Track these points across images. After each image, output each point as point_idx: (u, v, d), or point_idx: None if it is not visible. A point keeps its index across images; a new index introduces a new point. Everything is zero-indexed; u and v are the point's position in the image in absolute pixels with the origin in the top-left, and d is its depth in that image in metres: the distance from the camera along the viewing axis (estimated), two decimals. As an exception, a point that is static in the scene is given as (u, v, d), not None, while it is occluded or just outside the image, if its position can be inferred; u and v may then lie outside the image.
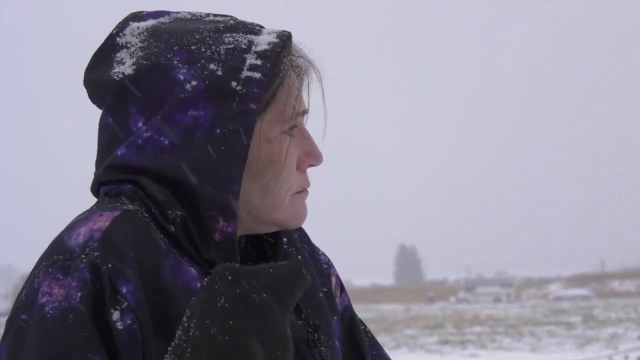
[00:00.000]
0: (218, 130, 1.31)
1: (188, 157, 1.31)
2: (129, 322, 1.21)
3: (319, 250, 1.63)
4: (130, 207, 1.32)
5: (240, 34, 1.38)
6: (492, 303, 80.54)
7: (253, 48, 1.36)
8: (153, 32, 1.39)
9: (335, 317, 1.57)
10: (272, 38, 1.38)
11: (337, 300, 1.61)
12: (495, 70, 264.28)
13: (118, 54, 1.39)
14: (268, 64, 1.35)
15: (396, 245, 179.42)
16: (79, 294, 1.20)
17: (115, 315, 1.21)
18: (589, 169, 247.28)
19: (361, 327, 1.63)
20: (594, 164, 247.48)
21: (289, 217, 1.42)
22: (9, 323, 1.24)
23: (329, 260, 1.63)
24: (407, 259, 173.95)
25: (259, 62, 1.35)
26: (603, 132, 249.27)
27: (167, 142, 1.32)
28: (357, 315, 1.64)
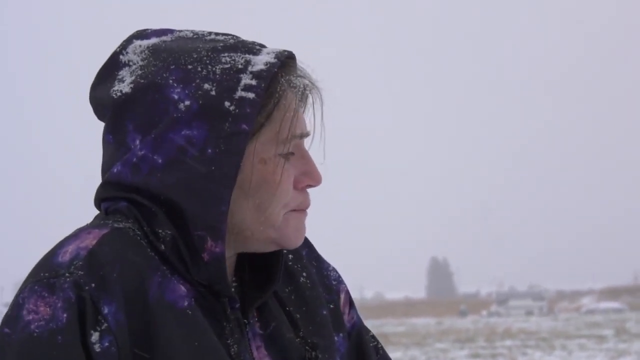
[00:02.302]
0: (209, 151, 1.32)
1: (179, 177, 1.32)
2: (107, 344, 1.23)
3: (329, 266, 1.62)
4: (122, 224, 1.34)
5: (239, 54, 1.38)
6: (524, 316, 79.95)
7: (249, 68, 1.36)
8: (153, 51, 1.40)
9: (341, 334, 1.56)
10: (270, 58, 1.38)
11: (346, 317, 1.60)
12: (523, 74, 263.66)
13: (120, 72, 1.41)
14: (262, 84, 1.35)
15: (428, 258, 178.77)
16: (65, 315, 1.23)
17: (95, 336, 1.23)
18: (623, 180, 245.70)
19: (371, 344, 1.62)
20: (627, 174, 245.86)
21: (284, 236, 1.41)
22: None
23: (339, 276, 1.63)
24: (439, 273, 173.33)
25: (253, 82, 1.35)
26: (635, 141, 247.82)
27: (160, 161, 1.33)
28: (369, 332, 1.64)
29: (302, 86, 1.42)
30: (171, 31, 1.45)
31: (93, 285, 1.24)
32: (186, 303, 1.31)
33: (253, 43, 1.42)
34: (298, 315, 1.50)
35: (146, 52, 1.41)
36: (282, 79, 1.39)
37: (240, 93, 1.34)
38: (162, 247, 1.33)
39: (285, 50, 1.42)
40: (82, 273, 1.25)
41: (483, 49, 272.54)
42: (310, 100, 1.44)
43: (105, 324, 1.24)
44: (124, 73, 1.40)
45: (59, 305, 1.23)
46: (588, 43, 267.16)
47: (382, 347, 1.64)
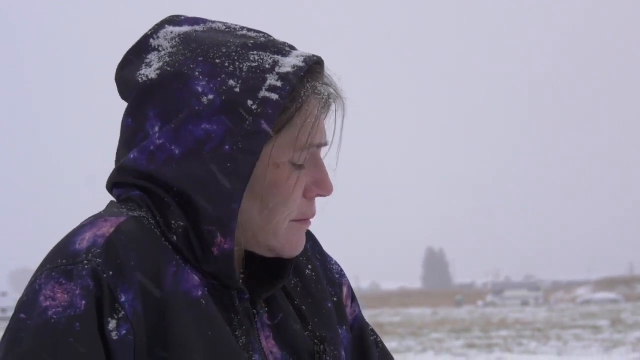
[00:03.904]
0: (227, 147, 1.32)
1: (194, 170, 1.32)
2: (124, 332, 1.24)
3: (331, 260, 1.62)
4: (137, 213, 1.34)
5: (268, 53, 1.37)
6: (520, 307, 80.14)
7: (276, 69, 1.35)
8: (184, 39, 1.39)
9: (344, 327, 1.56)
10: (298, 61, 1.37)
11: (348, 310, 1.60)
12: (520, 68, 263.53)
13: (149, 56, 1.40)
14: (287, 87, 1.34)
15: (424, 249, 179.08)
16: (84, 302, 1.23)
17: (112, 324, 1.24)
18: (618, 172, 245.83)
19: (372, 338, 1.62)
20: (623, 167, 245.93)
21: (284, 245, 1.41)
22: (10, 322, 1.27)
23: (341, 270, 1.63)
24: (435, 263, 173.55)
25: (279, 83, 1.34)
26: (634, 133, 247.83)
27: (177, 152, 1.33)
28: (369, 326, 1.64)
29: (326, 94, 1.40)
30: (204, 21, 1.44)
31: (111, 273, 1.24)
32: (200, 293, 1.32)
33: (284, 44, 1.41)
34: (304, 307, 1.50)
35: (177, 39, 1.40)
36: (308, 85, 1.38)
37: (264, 93, 1.33)
38: (174, 238, 1.33)
39: (314, 56, 1.40)
40: (100, 261, 1.25)
41: (482, 47, 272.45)
42: (332, 109, 1.42)
43: (123, 312, 1.24)
44: (153, 57, 1.40)
45: (77, 292, 1.23)
46: (605, 42, 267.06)
47: (381, 340, 1.64)
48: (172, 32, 1.41)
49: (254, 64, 1.35)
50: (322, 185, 1.42)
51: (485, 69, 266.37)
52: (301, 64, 1.36)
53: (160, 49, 1.40)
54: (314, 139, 1.39)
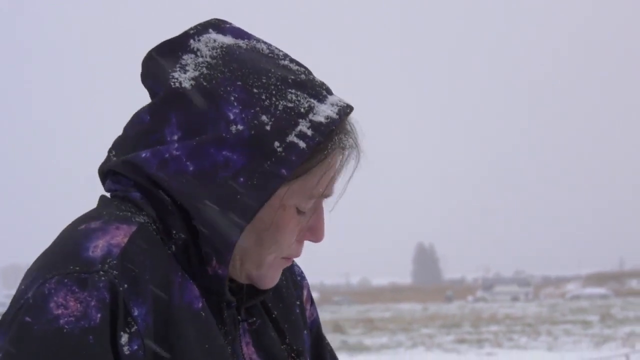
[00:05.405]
0: (242, 179, 1.30)
1: (203, 192, 1.30)
2: (135, 347, 1.22)
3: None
4: (142, 218, 1.32)
5: (305, 95, 1.35)
6: (510, 302, 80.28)
7: (310, 115, 1.33)
8: (225, 54, 1.36)
9: (305, 331, 1.57)
10: (332, 112, 1.35)
11: (307, 312, 1.60)
12: (512, 66, 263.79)
13: (185, 56, 1.37)
14: (317, 139, 1.32)
15: (414, 244, 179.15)
16: (99, 315, 1.20)
17: (124, 338, 1.22)
18: (609, 167, 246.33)
19: (325, 342, 1.63)
20: (613, 162, 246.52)
21: (263, 278, 1.41)
22: (8, 321, 1.23)
23: (302, 271, 1.63)
24: (425, 258, 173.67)
25: (309, 132, 1.32)
26: (623, 130, 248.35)
27: (191, 169, 1.31)
28: (321, 329, 1.65)
29: (350, 148, 1.39)
30: (249, 36, 1.40)
31: (126, 285, 1.23)
32: (200, 305, 1.31)
33: (321, 86, 1.38)
34: (276, 313, 1.51)
35: (218, 50, 1.37)
36: (336, 137, 1.36)
37: (292, 138, 1.31)
38: (173, 248, 1.32)
39: (347, 107, 1.38)
40: (116, 273, 1.23)
41: (481, 46, 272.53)
42: (352, 164, 1.41)
43: (135, 327, 1.23)
44: (189, 60, 1.36)
45: (93, 304, 1.21)
46: (603, 43, 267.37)
47: (329, 342, 1.65)
48: (214, 41, 1.38)
49: (289, 104, 1.33)
50: (316, 233, 1.42)
51: (480, 66, 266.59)
52: (335, 116, 1.34)
53: (199, 53, 1.37)
54: (328, 191, 1.40)
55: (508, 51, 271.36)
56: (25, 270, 1.30)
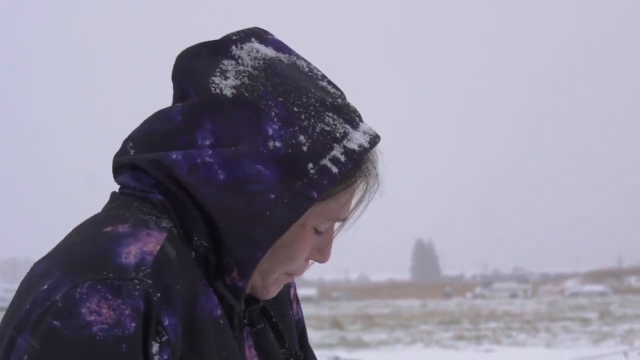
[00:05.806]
0: (272, 196, 1.30)
1: (232, 203, 1.29)
2: (165, 357, 1.22)
3: None
4: (166, 223, 1.31)
5: (341, 120, 1.36)
6: (508, 299, 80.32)
7: (344, 141, 1.34)
8: (267, 67, 1.36)
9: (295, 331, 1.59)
10: (364, 140, 1.37)
11: (293, 312, 1.60)
12: (510, 62, 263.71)
13: (225, 61, 1.36)
14: (349, 165, 1.34)
15: (413, 240, 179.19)
16: (133, 325, 1.19)
17: (155, 348, 1.22)
18: (607, 164, 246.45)
19: (308, 342, 1.65)
20: (612, 159, 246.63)
21: (264, 290, 1.41)
22: (34, 321, 1.19)
23: None
24: (424, 255, 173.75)
25: (342, 158, 1.33)
26: (622, 129, 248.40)
27: (221, 178, 1.30)
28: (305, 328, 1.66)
29: (373, 177, 1.41)
30: (289, 51, 1.41)
31: (159, 295, 1.22)
32: (219, 312, 1.31)
33: (355, 112, 1.40)
34: (272, 313, 1.52)
35: (260, 62, 1.36)
36: (364, 165, 1.38)
37: (326, 161, 1.32)
38: (193, 254, 1.32)
39: (377, 136, 1.40)
40: (151, 282, 1.22)
41: (480, 45, 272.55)
42: (372, 191, 1.43)
43: (166, 337, 1.22)
44: (229, 67, 1.36)
45: (127, 312, 1.19)
46: (599, 41, 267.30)
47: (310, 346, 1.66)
48: (257, 51, 1.38)
49: (327, 128, 1.34)
50: (324, 254, 1.44)
51: (479, 65, 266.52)
52: (367, 145, 1.36)
53: (240, 61, 1.36)
54: (346, 215, 1.42)
55: (508, 50, 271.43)
56: (25, 264, 1.32)
